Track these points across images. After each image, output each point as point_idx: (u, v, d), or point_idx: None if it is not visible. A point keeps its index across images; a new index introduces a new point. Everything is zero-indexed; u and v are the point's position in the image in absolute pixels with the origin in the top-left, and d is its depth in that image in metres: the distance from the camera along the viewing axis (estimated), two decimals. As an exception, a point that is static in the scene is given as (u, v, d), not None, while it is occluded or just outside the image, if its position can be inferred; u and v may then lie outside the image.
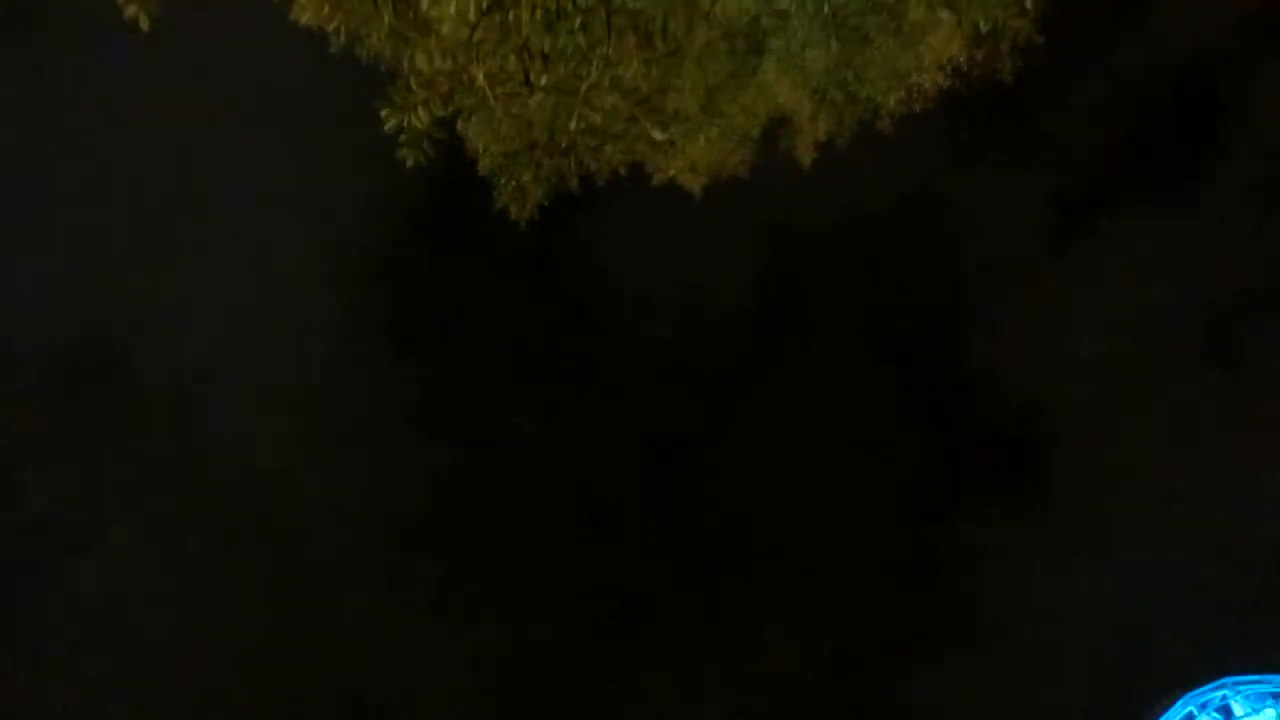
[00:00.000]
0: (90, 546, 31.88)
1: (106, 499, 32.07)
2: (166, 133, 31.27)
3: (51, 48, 29.55)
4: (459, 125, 10.61)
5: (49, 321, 31.67)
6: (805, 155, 20.56)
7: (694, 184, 20.65)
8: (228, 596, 32.90)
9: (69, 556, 31.84)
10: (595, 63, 9.32)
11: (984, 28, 14.46)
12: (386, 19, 9.31)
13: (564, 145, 10.19)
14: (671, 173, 20.10)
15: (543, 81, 9.22)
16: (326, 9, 9.87)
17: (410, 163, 9.11)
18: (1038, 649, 34.41)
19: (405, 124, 8.79)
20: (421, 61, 8.92)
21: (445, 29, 9.37)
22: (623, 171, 9.61)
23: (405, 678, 33.59)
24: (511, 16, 9.33)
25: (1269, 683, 34.33)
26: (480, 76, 8.77)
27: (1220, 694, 34.43)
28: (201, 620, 32.49)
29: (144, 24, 9.23)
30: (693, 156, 18.17)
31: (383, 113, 8.82)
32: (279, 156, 31.14)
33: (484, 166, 14.72)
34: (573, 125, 8.79)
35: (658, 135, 9.06)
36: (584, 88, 9.06)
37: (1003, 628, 34.51)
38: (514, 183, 14.67)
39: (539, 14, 9.36)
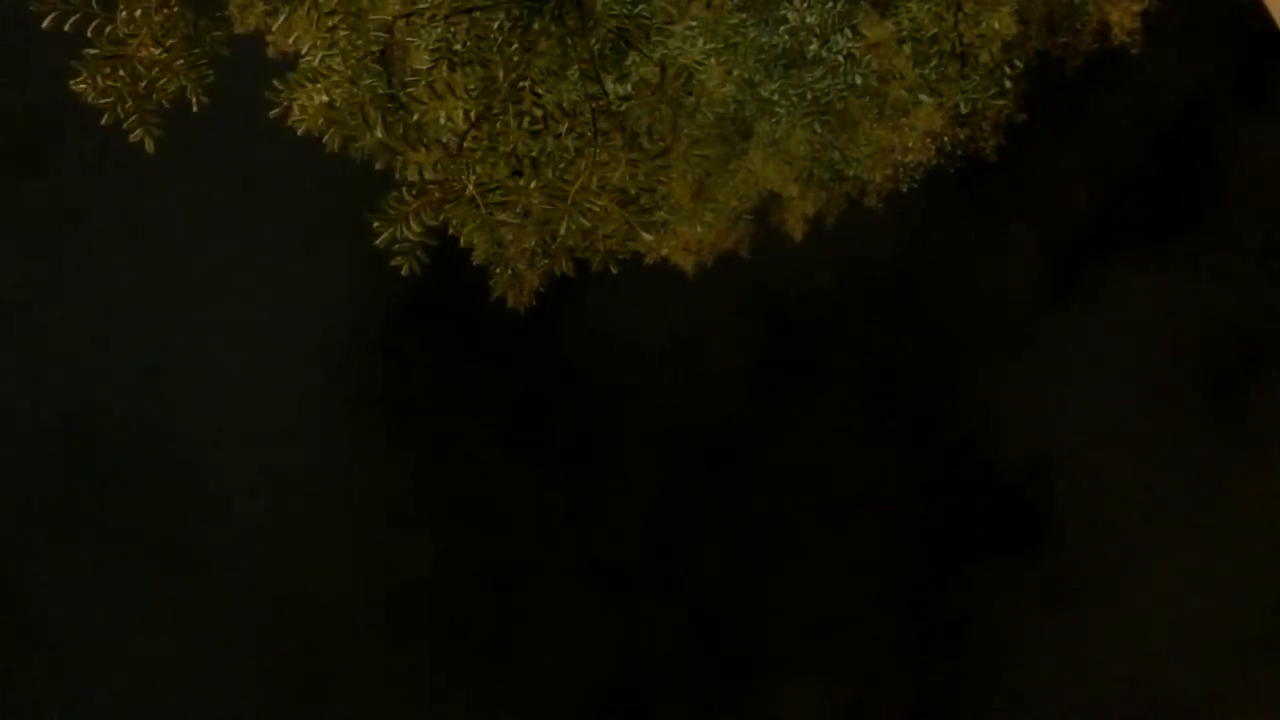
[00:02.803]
0: (77, 633, 31.70)
1: (94, 584, 31.98)
2: (167, 238, 31.87)
3: (62, 175, 30.33)
4: (451, 227, 10.81)
5: (41, 414, 31.87)
6: (796, 229, 20.82)
7: (687, 263, 20.91)
8: (222, 681, 32.62)
9: (54, 647, 31.67)
10: (583, 165, 9.53)
11: (965, 109, 14.75)
12: (378, 131, 9.54)
13: (555, 244, 10.36)
14: (664, 252, 20.36)
15: (531, 185, 9.42)
16: (321, 120, 10.13)
17: (405, 271, 9.27)
18: (1053, 709, 34.02)
19: (398, 235, 8.97)
20: (412, 173, 9.12)
21: (439, 136, 9.61)
22: (614, 270, 9.76)
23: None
24: (499, 124, 9.56)
25: (1290, 739, 33.80)
26: (470, 186, 8.95)
27: (1239, 752, 33.84)
28: (196, 706, 32.19)
29: (149, 147, 9.48)
30: (685, 238, 18.43)
31: (375, 224, 9.00)
32: (278, 251, 31.64)
33: (478, 257, 14.93)
34: (563, 230, 8.96)
35: (647, 237, 9.20)
36: (573, 190, 9.24)
37: (1017, 689, 34.15)
38: (509, 272, 14.87)
39: (526, 121, 9.59)
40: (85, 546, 32.25)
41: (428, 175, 8.91)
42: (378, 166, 10.35)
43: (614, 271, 9.63)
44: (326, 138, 10.68)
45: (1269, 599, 33.68)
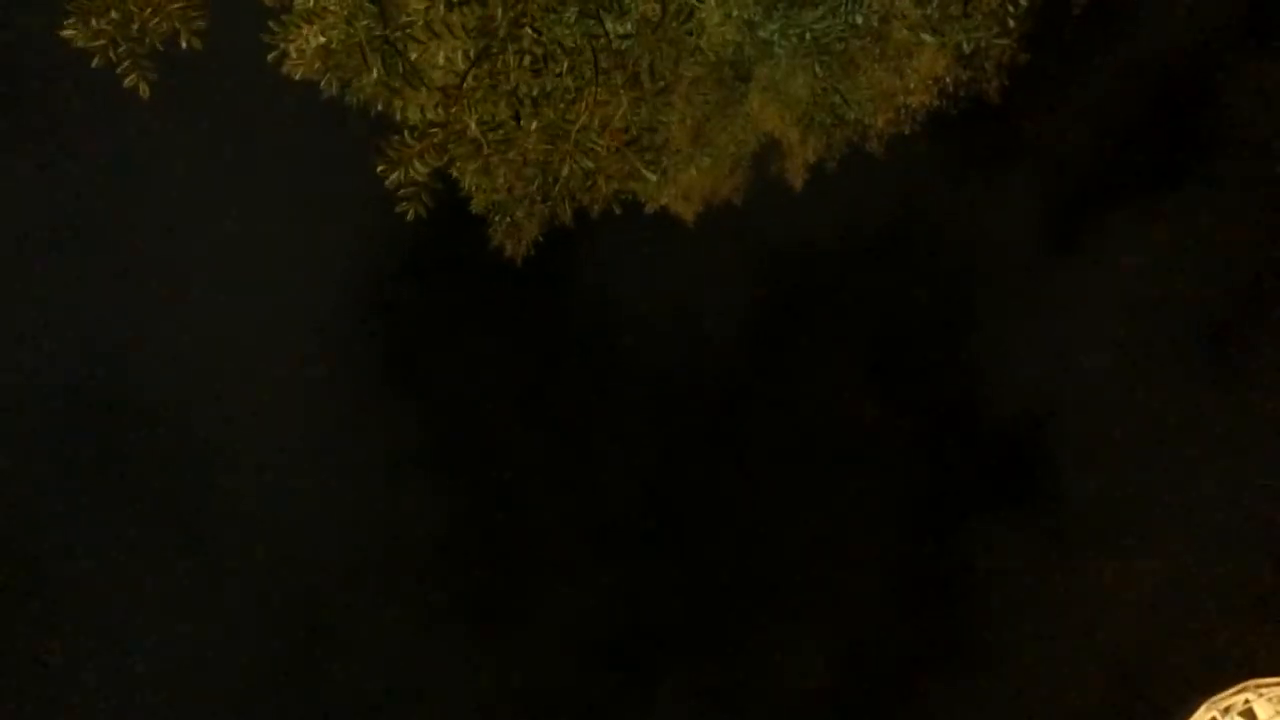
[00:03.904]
0: (85, 593, 31.90)
1: (102, 543, 32.14)
2: (166, 185, 31.59)
3: (51, 116, 29.96)
4: (453, 170, 10.71)
5: (42, 369, 31.86)
6: (796, 178, 20.66)
7: (686, 212, 20.77)
8: (229, 641, 32.87)
9: (66, 604, 31.87)
10: (584, 104, 9.42)
11: (968, 48, 14.58)
12: (375, 72, 9.42)
13: (556, 187, 10.27)
14: (664, 201, 20.22)
15: (533, 126, 9.32)
16: (317, 64, 10.00)
17: (411, 216, 9.20)
18: (1053, 660, 34.26)
19: (403, 178, 8.88)
20: (413, 113, 9.02)
21: (435, 79, 9.48)
22: (617, 210, 9.68)
23: (411, 707, 33.48)
24: (500, 63, 9.43)
25: (1291, 683, 34.06)
26: (472, 125, 8.85)
27: (1243, 697, 34.10)
28: (202, 664, 32.46)
29: (144, 92, 9.36)
30: (684, 186, 18.30)
31: (379, 169, 8.91)
32: (276, 203, 31.40)
33: (477, 205, 14.82)
34: (565, 171, 8.86)
35: (650, 175, 9.11)
36: (574, 130, 9.14)
37: (1017, 640, 34.39)
38: (508, 220, 14.77)
39: (526, 60, 9.47)
40: (94, 505, 32.39)
41: (429, 115, 8.81)
42: (379, 107, 10.22)
43: (617, 212, 9.56)
44: (324, 81, 10.56)
45: (1266, 549, 33.84)
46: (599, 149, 8.84)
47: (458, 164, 9.21)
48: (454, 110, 9.07)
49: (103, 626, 31.88)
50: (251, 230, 31.76)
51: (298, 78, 10.57)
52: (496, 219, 14.98)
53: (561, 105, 9.34)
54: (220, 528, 32.95)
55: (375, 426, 34.06)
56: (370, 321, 33.67)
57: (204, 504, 32.99)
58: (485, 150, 8.81)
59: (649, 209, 20.32)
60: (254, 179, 30.75)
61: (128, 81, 9.39)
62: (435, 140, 8.82)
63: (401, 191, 9.26)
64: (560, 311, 34.07)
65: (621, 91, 9.29)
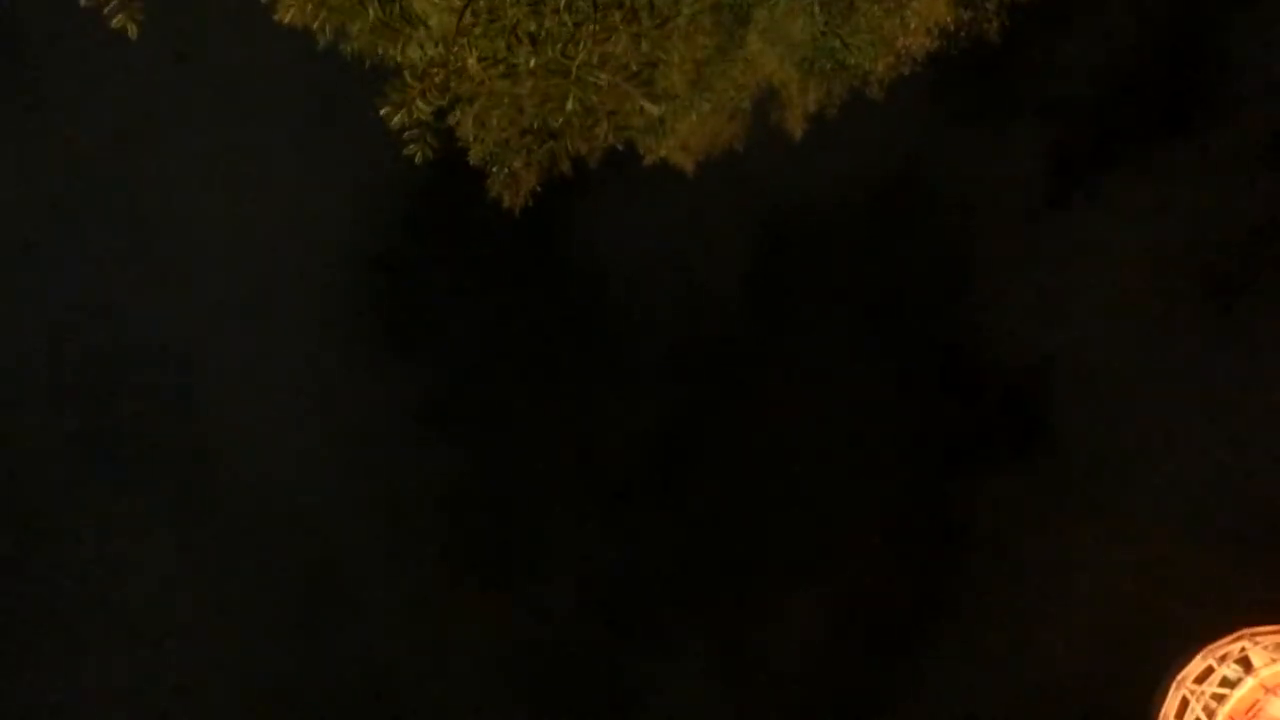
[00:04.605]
0: (100, 551, 32.02)
1: (116, 502, 32.23)
2: (157, 135, 31.36)
3: (43, 60, 29.62)
4: (451, 117, 10.59)
5: (49, 326, 31.80)
6: (795, 127, 20.46)
7: (686, 162, 20.56)
8: (241, 592, 33.07)
9: (78, 562, 32.01)
10: (583, 41, 9.31)
11: (968, -13, 14.41)
12: (371, 13, 9.29)
13: (555, 128, 10.17)
14: (663, 153, 20.02)
15: (531, 64, 9.21)
16: (310, 7, 9.84)
17: (419, 158, 9.12)
18: (1055, 608, 34.54)
19: (407, 118, 8.79)
20: (413, 52, 8.91)
21: (433, 18, 9.36)
22: (619, 145, 9.59)
23: (421, 665, 33.76)
24: (497, 1, 9.32)
25: (1287, 631, 34.30)
26: (472, 62, 8.76)
27: (1239, 645, 34.40)
28: (216, 616, 32.68)
29: (132, 32, 9.23)
30: (684, 135, 18.12)
31: (383, 110, 8.81)
32: (270, 156, 31.20)
33: (475, 156, 14.67)
34: (569, 105, 8.78)
35: (650, 108, 9.03)
36: (574, 66, 9.05)
37: (1020, 589, 34.65)
38: (506, 170, 14.65)
39: (524, -3, 9.35)
40: (99, 461, 32.44)
41: (429, 52, 8.72)
42: (379, 51, 10.06)
43: (619, 147, 9.48)
44: (317, 24, 10.39)
45: (1262, 500, 34.01)
46: (600, 83, 8.76)
47: (461, 104, 9.13)
48: (454, 50, 8.96)
49: (113, 590, 32.05)
50: (246, 187, 31.61)
51: (288, 22, 10.40)
52: (494, 170, 14.84)
53: (561, 42, 9.22)
54: (224, 491, 33.07)
55: (377, 385, 34.11)
56: (371, 279, 33.64)
57: (207, 466, 33.09)
58: (488, 85, 8.71)
59: (648, 160, 20.13)
60: (246, 130, 30.52)
61: (115, 22, 9.26)
62: (437, 80, 8.73)
63: (406, 134, 9.17)
64: (560, 265, 34.03)
65: (620, 27, 9.19)
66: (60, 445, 32.31)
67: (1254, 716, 33.05)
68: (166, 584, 32.56)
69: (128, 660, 31.57)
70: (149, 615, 32.14)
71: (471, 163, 14.82)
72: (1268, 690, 33.28)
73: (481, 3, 9.23)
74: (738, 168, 22.70)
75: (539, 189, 16.17)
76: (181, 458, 33.01)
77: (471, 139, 13.55)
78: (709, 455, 35.37)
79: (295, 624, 32.71)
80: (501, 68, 8.86)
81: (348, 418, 34.63)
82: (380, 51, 10.52)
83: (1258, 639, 34.47)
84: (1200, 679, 34.05)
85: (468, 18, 9.19)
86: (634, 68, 9.05)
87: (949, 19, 16.65)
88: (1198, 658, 34.46)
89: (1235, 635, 34.52)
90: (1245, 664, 34.18)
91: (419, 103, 8.76)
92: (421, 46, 8.98)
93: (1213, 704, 33.52)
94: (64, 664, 31.21)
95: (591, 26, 9.43)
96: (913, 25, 16.19)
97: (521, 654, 34.41)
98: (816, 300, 34.62)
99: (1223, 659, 34.29)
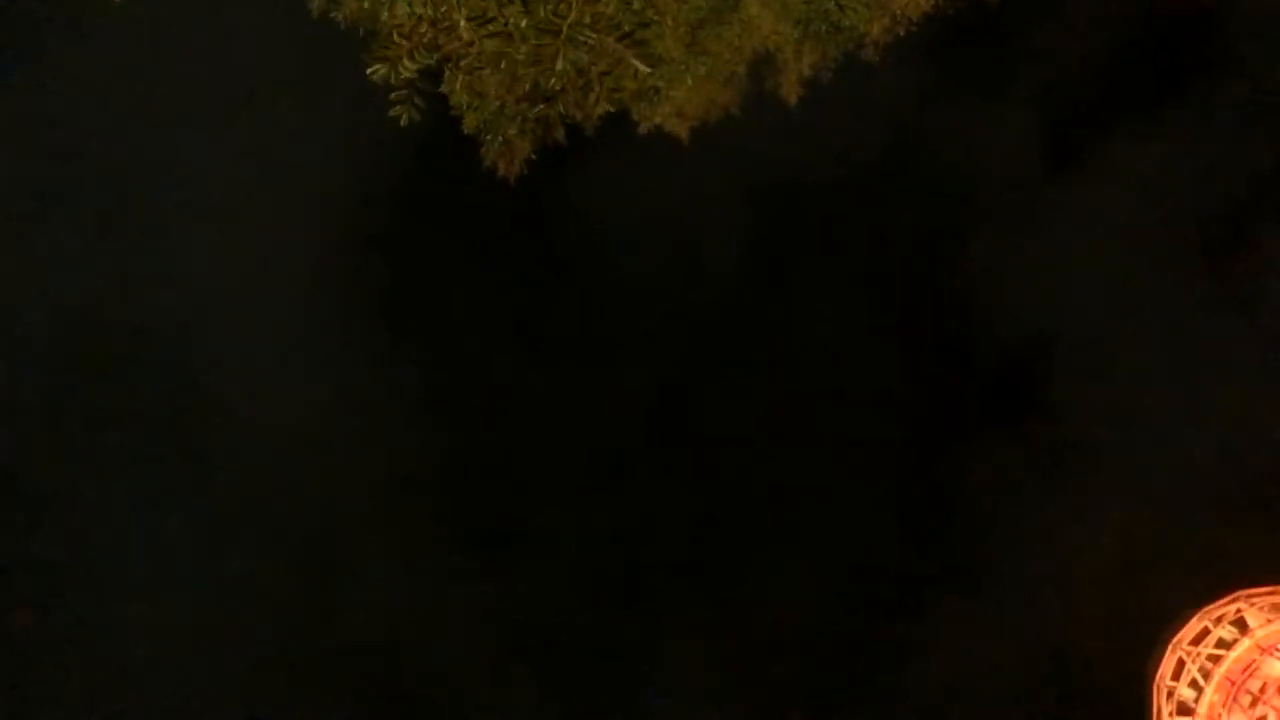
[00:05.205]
0: (100, 532, 32.08)
1: (114, 479, 32.25)
2: (146, 106, 31.11)
3: (32, 34, 29.36)
4: (443, 84, 10.49)
5: (46, 302, 31.72)
6: (791, 93, 20.37)
7: (681, 130, 20.49)
8: (233, 569, 33.16)
9: (80, 544, 32.07)
10: (574, 1, 9.21)
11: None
12: (362, -29, 9.21)
13: (548, 92, 10.08)
14: (658, 119, 19.92)
15: (522, 24, 9.12)
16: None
17: (405, 120, 9.04)
18: (1049, 575, 34.64)
19: (393, 76, 8.71)
20: (402, 10, 8.82)
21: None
22: (613, 109, 9.50)
23: (425, 642, 33.89)
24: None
25: (1282, 592, 34.45)
26: (462, 21, 8.67)
27: (1234, 607, 34.58)
28: (220, 594, 32.78)
29: (115, -1, 9.15)
30: (679, 101, 18.04)
31: (369, 68, 8.73)
32: (264, 126, 30.97)
33: (469, 125, 14.53)
34: (560, 65, 8.70)
35: (643, 69, 8.95)
36: (565, 25, 8.95)
37: (1015, 555, 34.74)
38: (500, 138, 14.51)
39: (515, -46, 9.23)
40: (102, 442, 32.43)
41: (418, 10, 8.63)
42: (372, 15, 9.97)
43: (611, 109, 9.41)
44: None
45: (1257, 464, 34.09)
46: (591, 43, 8.67)
47: (449, 65, 9.04)
48: (443, 9, 8.87)
49: (118, 563, 32.13)
50: (239, 158, 31.38)
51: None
52: (489, 139, 14.72)
53: (551, 1, 9.13)
54: (223, 462, 33.06)
55: (372, 357, 34.03)
56: (362, 248, 33.47)
57: (205, 434, 33.06)
58: (477, 44, 8.63)
59: (643, 128, 20.04)
60: (238, 100, 30.26)
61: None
62: (425, 38, 8.64)
63: (393, 95, 9.08)
64: (555, 235, 33.89)
65: (613, -14, 9.08)
66: (60, 421, 32.32)
67: (1250, 677, 33.23)
68: (165, 556, 32.68)
69: (129, 639, 31.74)
70: (150, 589, 32.29)
71: (466, 131, 14.69)
72: (1263, 650, 33.45)
73: (471, -38, 9.13)
74: (733, 135, 22.59)
75: (534, 157, 16.03)
76: (179, 432, 33.00)
77: (465, 106, 13.42)
78: (706, 424, 35.38)
79: (295, 595, 32.81)
80: (491, 26, 8.77)
81: (345, 388, 34.58)
82: (372, 15, 10.41)
83: (1253, 600, 34.65)
84: (1196, 640, 34.21)
85: (458, -23, 9.09)
86: (626, 27, 8.96)
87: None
88: (1193, 620, 34.61)
89: (1231, 597, 34.67)
90: (1241, 625, 34.35)
91: (406, 60, 8.68)
92: (410, 5, 8.89)
93: (1209, 665, 33.69)
94: (66, 634, 31.38)
95: (583, -15, 9.33)
96: (908, -15, 16.09)
97: (521, 622, 34.55)
98: (812, 268, 34.54)
99: (1218, 620, 34.45)
